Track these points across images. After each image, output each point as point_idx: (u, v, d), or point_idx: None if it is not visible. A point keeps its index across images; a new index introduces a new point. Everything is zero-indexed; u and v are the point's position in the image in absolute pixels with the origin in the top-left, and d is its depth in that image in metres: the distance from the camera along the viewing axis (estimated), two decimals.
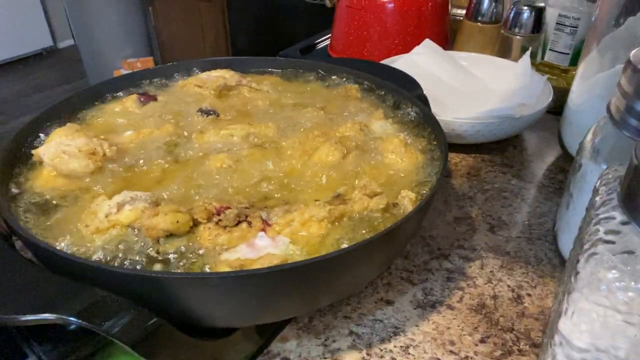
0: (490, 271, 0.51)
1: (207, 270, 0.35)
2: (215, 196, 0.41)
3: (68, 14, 2.80)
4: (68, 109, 0.53)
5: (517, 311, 0.47)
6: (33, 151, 0.45)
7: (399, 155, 0.46)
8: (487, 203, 0.61)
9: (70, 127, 0.47)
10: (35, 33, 3.43)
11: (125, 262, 0.35)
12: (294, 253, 0.36)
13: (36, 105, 2.91)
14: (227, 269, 0.34)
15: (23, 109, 2.88)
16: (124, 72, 2.64)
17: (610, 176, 0.33)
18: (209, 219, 0.37)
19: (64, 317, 0.30)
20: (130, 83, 0.59)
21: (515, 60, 0.85)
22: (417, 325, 0.45)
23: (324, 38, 1.26)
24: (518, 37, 0.93)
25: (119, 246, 0.36)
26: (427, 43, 0.86)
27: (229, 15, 2.43)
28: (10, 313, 0.29)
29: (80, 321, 0.30)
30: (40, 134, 0.48)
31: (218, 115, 0.53)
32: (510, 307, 0.47)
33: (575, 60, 0.88)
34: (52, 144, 0.44)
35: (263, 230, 0.38)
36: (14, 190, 0.42)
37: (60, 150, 0.43)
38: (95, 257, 0.36)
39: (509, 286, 0.50)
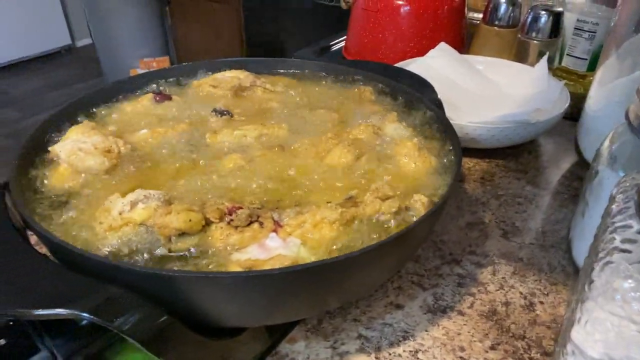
0: (502, 277, 0.51)
1: (218, 269, 0.35)
2: (227, 196, 0.41)
3: (86, 14, 2.84)
4: (84, 107, 0.53)
5: (529, 319, 0.46)
6: (49, 148, 0.45)
7: (412, 159, 0.45)
8: (500, 209, 0.60)
9: (86, 125, 0.48)
10: (54, 32, 3.48)
11: (138, 260, 0.36)
12: (304, 255, 0.36)
13: (54, 103, 2.95)
14: (237, 269, 0.35)
15: (41, 106, 2.93)
16: (140, 71, 2.67)
17: (627, 184, 0.33)
18: (221, 219, 0.37)
19: (76, 312, 0.30)
20: (146, 82, 0.59)
21: (532, 65, 0.84)
22: (426, 330, 0.45)
23: (338, 40, 1.26)
24: (535, 41, 0.92)
25: (132, 243, 0.36)
26: (443, 46, 0.85)
27: (244, 16, 2.45)
28: (25, 307, 0.30)
29: (92, 317, 0.30)
30: (56, 132, 0.49)
31: (232, 116, 0.54)
32: (522, 314, 0.47)
33: (593, 66, 0.87)
34: (69, 142, 0.44)
35: (274, 231, 0.38)
36: (31, 186, 0.42)
37: (77, 148, 0.43)
38: (108, 254, 0.36)
39: (521, 293, 0.49)
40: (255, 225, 0.37)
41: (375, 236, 0.38)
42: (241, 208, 0.38)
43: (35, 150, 0.46)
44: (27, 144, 0.45)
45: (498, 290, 0.49)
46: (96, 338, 0.39)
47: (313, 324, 0.45)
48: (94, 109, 0.54)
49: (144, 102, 0.55)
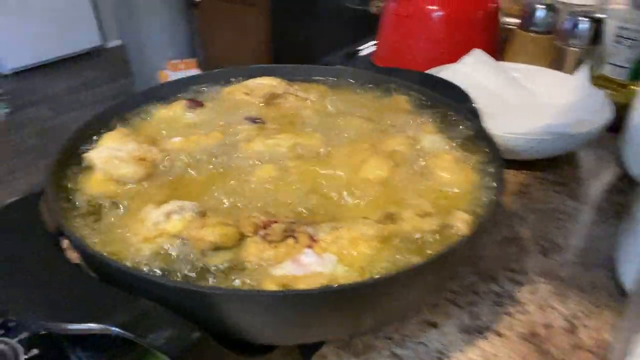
0: (542, 297, 0.49)
1: (252, 286, 0.34)
2: (261, 208, 0.40)
3: (116, 15, 2.90)
4: (118, 113, 0.53)
5: (571, 343, 0.44)
6: (85, 155, 0.45)
7: (451, 173, 0.44)
8: (539, 224, 0.58)
9: (121, 131, 0.48)
10: (85, 33, 3.57)
11: (171, 273, 0.35)
12: (341, 272, 0.35)
13: (85, 102, 3.02)
14: (272, 286, 0.34)
15: (73, 105, 3.00)
16: (167, 72, 2.70)
17: None
18: (255, 233, 0.36)
19: (109, 327, 0.29)
20: (178, 89, 0.59)
21: (569, 73, 0.82)
22: (462, 351, 0.43)
23: (367, 45, 1.24)
24: (574, 48, 0.89)
25: (166, 256, 0.36)
26: (477, 53, 0.83)
27: (272, 19, 2.45)
28: (57, 321, 0.30)
29: (125, 332, 0.29)
30: (92, 138, 0.49)
31: (265, 124, 0.53)
32: (563, 337, 0.44)
33: (635, 75, 0.83)
34: (104, 149, 0.44)
35: (309, 246, 0.37)
36: (66, 193, 0.42)
37: (112, 155, 0.43)
38: (141, 266, 0.35)
39: (562, 315, 0.47)
40: (290, 241, 0.36)
41: (414, 255, 0.36)
42: (276, 222, 0.37)
43: (72, 156, 0.46)
44: (64, 149, 0.45)
45: (538, 310, 0.47)
46: (128, 350, 0.38)
47: (344, 340, 0.44)
48: (128, 115, 0.54)
49: (177, 109, 0.54)
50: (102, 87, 3.25)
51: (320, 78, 0.63)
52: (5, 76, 3.27)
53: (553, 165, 0.69)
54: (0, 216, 0.37)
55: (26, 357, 0.37)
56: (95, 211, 0.41)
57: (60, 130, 2.70)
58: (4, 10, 3.08)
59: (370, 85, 0.61)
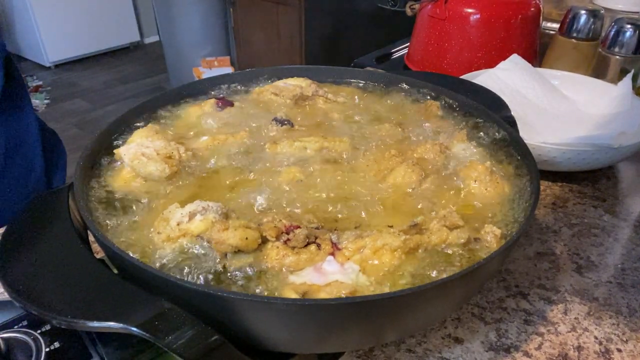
0: (575, 318, 0.46)
1: (272, 292, 0.34)
2: (284, 211, 0.40)
3: (155, 12, 2.96)
4: (150, 110, 0.53)
5: None
6: (115, 150, 0.45)
7: (483, 184, 0.42)
8: (574, 239, 0.56)
9: (151, 128, 0.48)
10: (124, 28, 3.66)
11: (192, 274, 0.35)
12: (363, 283, 0.34)
13: (121, 96, 3.09)
14: (292, 293, 0.33)
15: (109, 99, 3.07)
16: (202, 69, 2.74)
17: None
18: (277, 238, 0.36)
19: (128, 327, 0.29)
20: (210, 87, 0.59)
21: (612, 82, 0.78)
22: None
23: (400, 47, 1.22)
24: (617, 57, 0.85)
25: (187, 257, 0.36)
26: (515, 58, 0.80)
27: (305, 19, 2.45)
28: (78, 318, 0.30)
29: (143, 333, 0.29)
30: (123, 133, 0.49)
31: (292, 126, 0.52)
32: None
33: None
34: (133, 145, 0.44)
35: (332, 254, 0.36)
36: (94, 188, 0.42)
37: (140, 152, 0.43)
38: (162, 265, 0.35)
39: (596, 337, 0.44)
40: (313, 247, 0.36)
41: (439, 269, 0.35)
42: (299, 227, 0.36)
43: (102, 152, 0.46)
44: (93, 145, 0.45)
45: (570, 331, 0.45)
46: (147, 347, 0.38)
47: (364, 350, 0.43)
48: (159, 112, 0.54)
49: (206, 108, 0.54)
50: (139, 82, 3.32)
51: (351, 80, 0.62)
52: (47, 68, 3.38)
53: (591, 178, 0.66)
54: (28, 208, 0.38)
55: (47, 349, 0.37)
56: (121, 207, 0.41)
57: (97, 123, 2.77)
58: (48, 6, 3.18)
59: (402, 89, 0.60)
